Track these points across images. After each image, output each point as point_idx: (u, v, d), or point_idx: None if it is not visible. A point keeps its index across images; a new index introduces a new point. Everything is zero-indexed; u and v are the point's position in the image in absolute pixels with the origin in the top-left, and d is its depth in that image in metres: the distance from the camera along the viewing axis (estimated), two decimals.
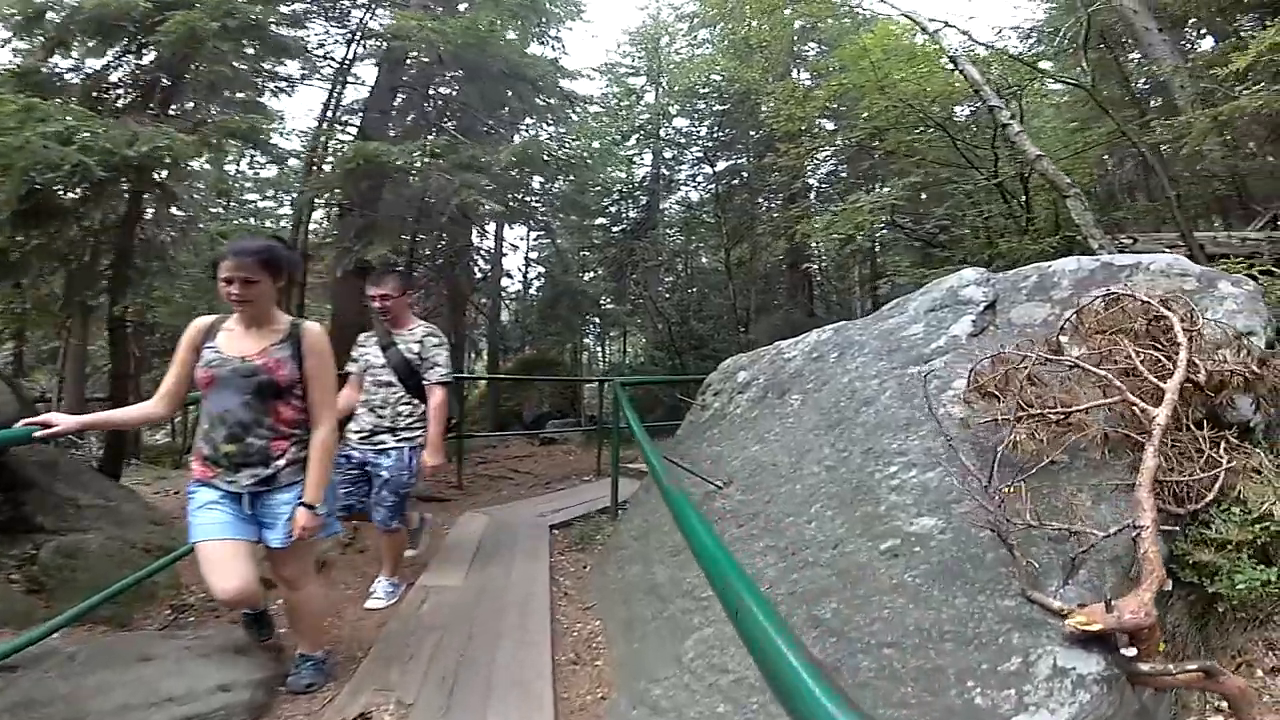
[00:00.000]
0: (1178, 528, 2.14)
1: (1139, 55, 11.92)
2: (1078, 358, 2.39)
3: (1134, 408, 2.11)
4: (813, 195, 16.08)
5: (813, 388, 3.87)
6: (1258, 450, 2.37)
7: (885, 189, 10.03)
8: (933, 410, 2.53)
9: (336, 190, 9.47)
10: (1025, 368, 2.40)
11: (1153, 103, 11.59)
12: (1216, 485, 2.05)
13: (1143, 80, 11.58)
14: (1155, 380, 2.15)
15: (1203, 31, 11.84)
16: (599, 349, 24.45)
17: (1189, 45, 11.82)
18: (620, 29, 33.00)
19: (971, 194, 9.96)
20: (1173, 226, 8.38)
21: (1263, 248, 6.35)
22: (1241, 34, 9.18)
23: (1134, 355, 2.21)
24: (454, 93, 11.77)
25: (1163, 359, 2.23)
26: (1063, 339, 2.73)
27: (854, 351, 3.87)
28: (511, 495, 7.47)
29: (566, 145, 11.31)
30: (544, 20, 12.73)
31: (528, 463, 9.66)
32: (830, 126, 13.83)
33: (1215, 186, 9.34)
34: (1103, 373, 2.20)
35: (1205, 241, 6.79)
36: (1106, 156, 12.05)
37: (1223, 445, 2.16)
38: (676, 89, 17.25)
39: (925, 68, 9.55)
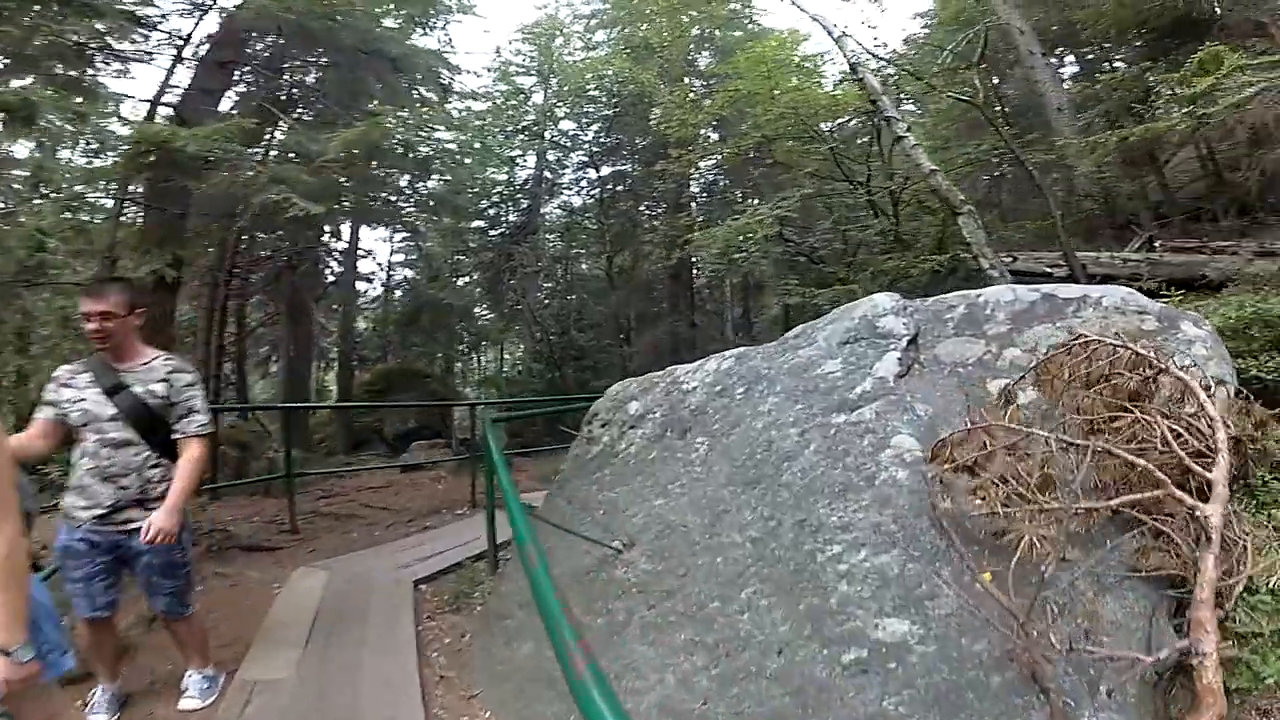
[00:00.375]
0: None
1: (998, 80, 12.73)
2: (1093, 439, 1.99)
3: (1175, 498, 1.74)
4: (694, 206, 16.04)
5: (720, 430, 3.39)
6: (1244, 514, 2.11)
7: (765, 203, 9.91)
8: (934, 499, 2.07)
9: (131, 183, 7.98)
10: (1014, 442, 2.00)
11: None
12: (1245, 577, 1.73)
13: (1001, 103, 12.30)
14: (1183, 454, 1.81)
15: (1067, 58, 12.75)
16: (473, 357, 23.30)
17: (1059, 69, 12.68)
18: (514, 26, 31.93)
19: (843, 209, 10.06)
20: (1027, 246, 8.81)
21: (1143, 269, 6.61)
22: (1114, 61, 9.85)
23: (1166, 433, 1.85)
24: (314, 79, 10.55)
25: (1180, 430, 1.90)
26: (1020, 390, 2.39)
27: (763, 389, 3.42)
28: (363, 539, 6.48)
29: (428, 137, 10.32)
30: (431, 12, 11.85)
31: (385, 495, 8.60)
32: (715, 137, 13.81)
33: (1088, 207, 9.91)
34: (1141, 462, 1.82)
35: (1088, 262, 7.01)
36: (959, 178, 12.70)
37: (1236, 525, 1.84)
38: (566, 89, 16.80)
39: (812, 80, 9.58)
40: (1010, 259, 8.03)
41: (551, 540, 3.86)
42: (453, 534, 6.45)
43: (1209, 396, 1.94)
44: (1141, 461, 1.82)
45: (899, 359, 2.92)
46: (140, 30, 7.94)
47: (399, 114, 9.64)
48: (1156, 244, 7.82)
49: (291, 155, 7.83)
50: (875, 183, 9.83)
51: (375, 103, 10.94)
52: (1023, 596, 1.76)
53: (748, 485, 2.74)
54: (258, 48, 9.78)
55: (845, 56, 7.59)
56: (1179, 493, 1.76)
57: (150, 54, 8.41)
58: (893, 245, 9.40)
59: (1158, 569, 1.80)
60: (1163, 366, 2.06)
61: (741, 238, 8.88)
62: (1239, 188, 10.27)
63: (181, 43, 8.82)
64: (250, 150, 7.28)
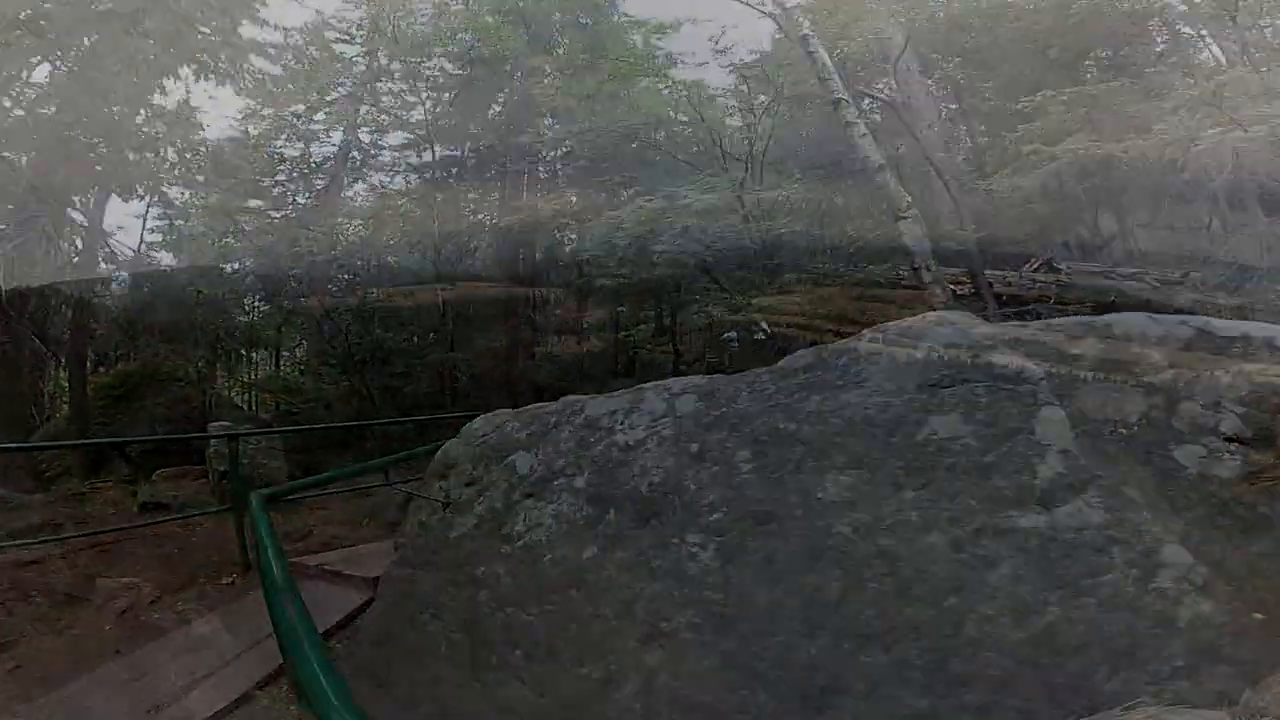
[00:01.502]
0: None
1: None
2: None
3: None
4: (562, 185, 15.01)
5: (734, 522, 2.28)
6: None
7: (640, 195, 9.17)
8: None
9: None
10: None
11: None
12: None
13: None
14: None
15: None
16: (244, 357, 20.15)
17: None
18: None
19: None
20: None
21: (1052, 290, 6.56)
22: None
23: None
24: None
25: None
26: None
27: (801, 455, 2.31)
28: (90, 641, 4.49)
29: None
30: None
31: (118, 556, 6.23)
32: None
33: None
34: None
35: (994, 280, 6.88)
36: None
37: None
38: (401, 59, 15.24)
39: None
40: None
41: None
42: (221, 628, 4.60)
43: None
44: None
45: (1068, 417, 1.96)
46: None
47: None
48: (1062, 266, 7.91)
49: None
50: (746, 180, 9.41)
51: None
52: None
53: (870, 639, 1.58)
54: None
55: (793, 32, 6.93)
56: None
57: None
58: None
59: None
60: None
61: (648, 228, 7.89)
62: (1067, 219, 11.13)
63: None
64: None
